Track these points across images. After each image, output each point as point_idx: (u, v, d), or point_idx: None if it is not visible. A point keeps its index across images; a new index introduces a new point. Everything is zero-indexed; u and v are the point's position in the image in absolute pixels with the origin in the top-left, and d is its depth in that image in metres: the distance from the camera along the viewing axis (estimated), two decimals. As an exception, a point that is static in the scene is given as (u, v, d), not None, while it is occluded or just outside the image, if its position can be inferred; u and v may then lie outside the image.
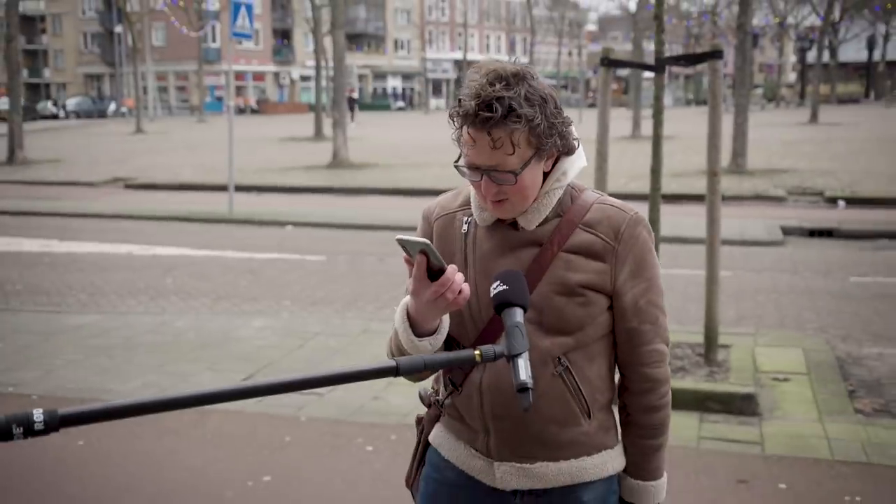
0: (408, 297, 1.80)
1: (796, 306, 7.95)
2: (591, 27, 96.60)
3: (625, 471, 1.96)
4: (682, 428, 4.92)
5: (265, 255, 10.84)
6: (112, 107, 63.04)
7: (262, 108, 66.53)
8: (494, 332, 1.81)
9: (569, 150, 1.82)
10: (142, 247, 11.57)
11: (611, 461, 1.92)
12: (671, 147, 21.72)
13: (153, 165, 22.80)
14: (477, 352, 1.51)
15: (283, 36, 73.91)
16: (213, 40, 63.83)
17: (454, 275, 1.67)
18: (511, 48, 75.97)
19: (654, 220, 5.71)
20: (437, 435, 2.01)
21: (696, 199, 12.56)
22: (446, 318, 1.83)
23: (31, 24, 74.60)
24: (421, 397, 2.05)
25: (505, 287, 1.64)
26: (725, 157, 18.55)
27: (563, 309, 1.79)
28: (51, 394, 5.51)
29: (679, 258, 9.99)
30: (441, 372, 1.98)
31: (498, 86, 1.68)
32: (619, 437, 1.96)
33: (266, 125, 45.17)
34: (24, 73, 70.41)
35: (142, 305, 8.24)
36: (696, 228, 10.23)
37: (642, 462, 1.94)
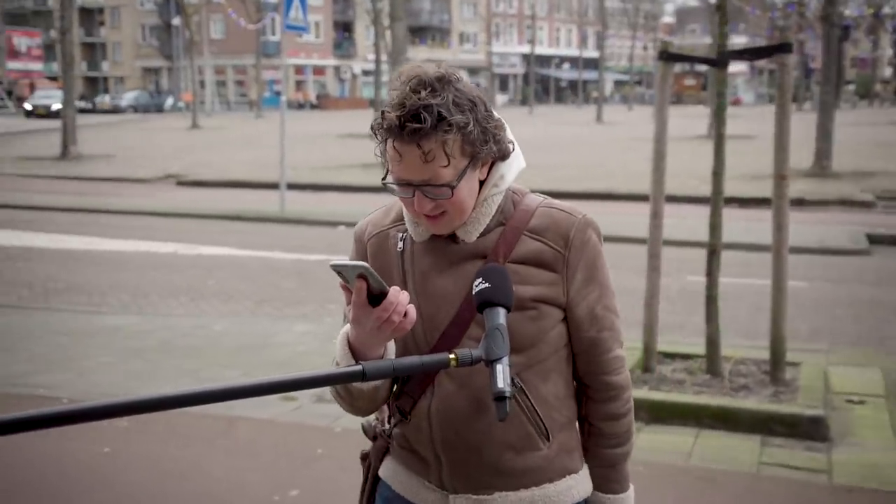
0: (347, 327, 1.74)
1: (877, 321, 7.69)
2: (668, 19, 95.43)
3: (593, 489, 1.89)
4: (739, 451, 4.78)
5: (315, 257, 10.91)
6: (170, 101, 64.38)
7: (322, 103, 67.30)
8: None
9: (504, 155, 1.76)
10: (187, 246, 11.76)
11: (576, 486, 1.85)
12: (749, 147, 21.29)
13: (206, 162, 23.20)
14: (452, 356, 1.46)
15: (345, 29, 74.65)
16: (273, 33, 64.68)
17: (398, 296, 1.60)
18: (582, 42, 75.52)
19: (716, 226, 5.57)
20: (388, 468, 1.94)
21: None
22: (391, 346, 1.76)
23: (90, 16, 76.71)
24: (364, 430, 1.98)
25: (487, 285, 1.58)
26: (808, 159, 18.15)
27: (514, 326, 1.70)
28: (81, 397, 5.60)
29: (752, 266, 9.75)
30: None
31: (423, 93, 1.62)
32: (583, 459, 1.89)
33: (325, 121, 45.69)
34: (83, 66, 72.52)
35: (182, 307, 8.36)
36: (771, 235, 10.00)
37: (611, 473, 1.88)
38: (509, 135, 1.78)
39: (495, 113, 1.73)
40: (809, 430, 5.00)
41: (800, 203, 13.54)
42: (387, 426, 1.92)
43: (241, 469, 4.61)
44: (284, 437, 5.03)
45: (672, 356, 6.02)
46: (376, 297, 1.60)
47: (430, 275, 1.79)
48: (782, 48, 5.26)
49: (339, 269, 1.59)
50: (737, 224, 11.69)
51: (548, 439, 1.80)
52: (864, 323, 7.65)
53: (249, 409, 5.33)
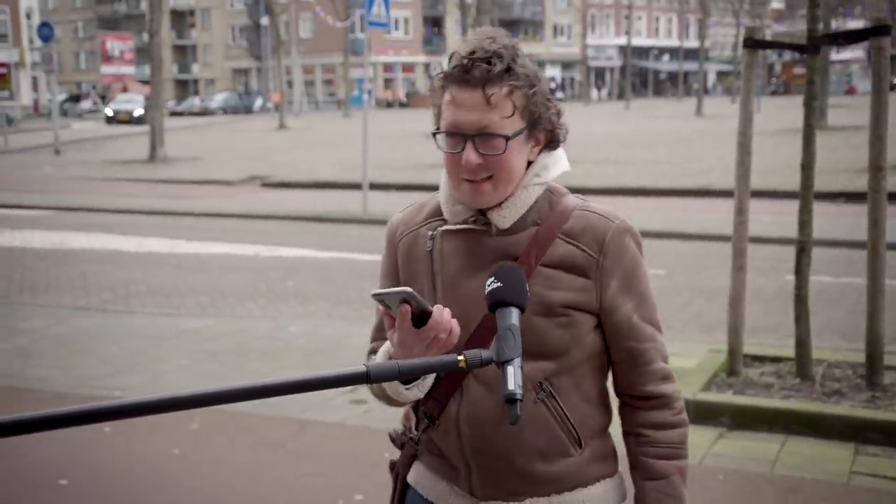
0: (386, 345, 1.74)
1: None
2: (777, 5, 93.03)
3: None
4: (829, 460, 4.65)
5: (395, 258, 10.99)
6: (258, 102, 65.81)
7: (412, 101, 67.77)
8: None
9: (555, 140, 1.77)
10: (268, 248, 12.01)
11: (612, 491, 1.84)
12: (857, 139, 20.61)
13: (292, 162, 23.65)
14: (461, 357, 1.45)
15: (434, 24, 75.09)
16: (361, 31, 65.55)
17: (442, 314, 1.60)
18: (682, 31, 74.30)
19: (806, 222, 5.44)
20: (416, 473, 1.95)
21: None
22: None
23: (182, 18, 79.10)
24: (392, 438, 2.00)
25: (499, 284, 1.56)
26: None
27: (544, 331, 1.71)
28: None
29: (857, 265, 9.43)
30: (410, 408, 1.93)
31: (495, 45, 1.67)
32: (618, 464, 1.87)
33: (414, 119, 45.96)
34: (174, 68, 74.76)
35: (260, 309, 8.55)
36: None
37: (665, 487, 1.80)
38: (564, 125, 1.80)
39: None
40: (907, 438, 4.82)
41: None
42: (414, 433, 1.93)
43: (308, 473, 4.70)
44: (352, 440, 5.10)
45: (761, 359, 5.89)
46: (420, 318, 1.61)
47: (458, 277, 1.79)
48: (879, 31, 5.09)
49: (381, 298, 1.59)
50: (839, 220, 11.35)
51: (580, 445, 1.80)
52: (976, 325, 7.32)
53: (320, 412, 5.43)
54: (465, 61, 1.65)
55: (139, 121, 44.27)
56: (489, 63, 1.63)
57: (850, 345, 6.56)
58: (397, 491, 1.99)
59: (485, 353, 1.47)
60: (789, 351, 5.82)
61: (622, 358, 1.81)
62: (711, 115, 43.05)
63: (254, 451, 4.97)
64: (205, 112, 62.06)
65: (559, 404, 1.76)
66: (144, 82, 67.74)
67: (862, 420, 4.94)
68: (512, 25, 74.55)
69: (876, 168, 5.29)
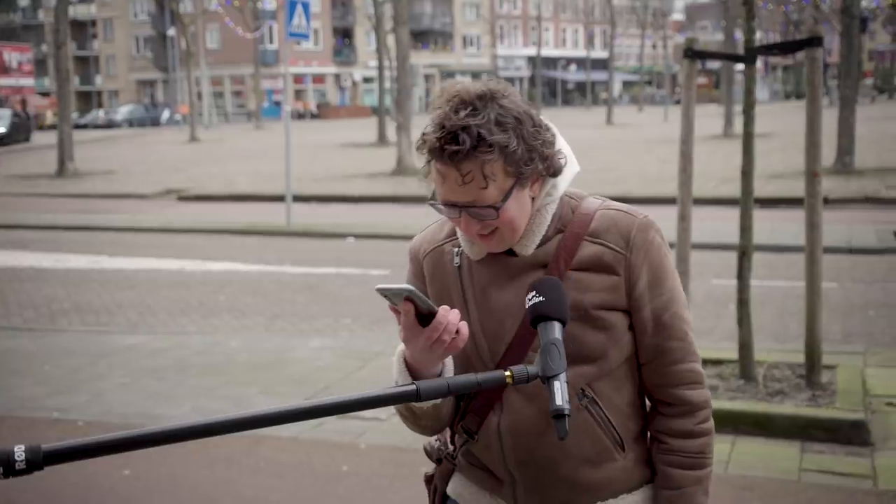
0: (401, 345, 1.74)
1: (912, 322, 7.69)
2: (678, 16, 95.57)
3: None
4: (780, 459, 4.79)
5: (324, 270, 10.94)
6: (166, 114, 64.61)
7: (323, 112, 67.46)
8: None
9: (555, 171, 1.74)
10: (194, 262, 11.80)
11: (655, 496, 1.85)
12: (768, 146, 21.32)
13: (208, 175, 23.29)
14: (508, 373, 1.46)
15: (344, 35, 74.86)
16: (270, 41, 64.98)
17: (447, 316, 1.61)
18: (589, 42, 75.68)
19: (747, 227, 5.60)
20: (457, 485, 1.94)
21: (796, 202, 12.22)
22: (449, 362, 1.76)
23: (83, 29, 77.10)
24: (427, 452, 1.98)
25: (541, 298, 1.57)
26: (829, 156, 18.12)
27: (581, 336, 1.71)
28: (98, 419, 5.63)
29: (777, 268, 9.77)
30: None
31: (463, 113, 1.61)
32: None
33: (326, 130, 45.81)
34: (76, 80, 72.83)
35: (194, 324, 8.39)
36: (795, 235, 9.97)
37: (678, 499, 1.80)
38: (560, 143, 1.76)
39: (546, 123, 1.72)
40: (850, 434, 5.00)
41: (823, 201, 13.50)
42: (450, 447, 1.92)
43: (268, 488, 4.64)
44: (309, 454, 5.05)
45: (703, 362, 6.01)
46: (426, 317, 1.63)
47: (489, 289, 1.79)
48: (812, 42, 5.28)
49: (385, 293, 1.61)
50: (758, 225, 11.65)
51: (623, 449, 1.80)
52: (898, 324, 7.65)
53: (273, 427, 5.36)
54: (436, 140, 1.62)
55: (3, 140, 39.04)
56: (457, 142, 1.59)
57: (782, 346, 6.77)
58: (436, 503, 1.97)
59: (531, 369, 1.48)
60: (728, 353, 5.99)
61: (650, 358, 1.80)
62: (622, 124, 43.94)
63: (209, 469, 4.88)
64: (110, 125, 60.63)
65: (602, 409, 1.77)
66: (44, 94, 66.04)
67: (806, 419, 5.11)
68: (422, 36, 74.87)
69: (812, 173, 5.48)
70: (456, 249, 1.84)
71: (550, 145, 1.71)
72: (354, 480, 4.72)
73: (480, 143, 1.60)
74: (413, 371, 1.72)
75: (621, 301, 1.75)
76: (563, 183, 1.78)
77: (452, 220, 1.74)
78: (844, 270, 9.73)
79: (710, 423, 1.83)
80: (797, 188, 13.54)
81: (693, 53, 5.50)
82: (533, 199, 1.75)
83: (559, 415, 1.44)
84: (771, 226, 11.53)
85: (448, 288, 1.84)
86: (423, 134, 1.66)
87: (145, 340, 7.57)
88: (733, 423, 5.13)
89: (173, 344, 7.43)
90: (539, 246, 1.76)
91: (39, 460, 1.24)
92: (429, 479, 2.00)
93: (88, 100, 77.41)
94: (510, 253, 1.78)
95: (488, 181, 1.63)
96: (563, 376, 1.48)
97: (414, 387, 1.45)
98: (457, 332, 1.62)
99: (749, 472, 4.67)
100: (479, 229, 1.70)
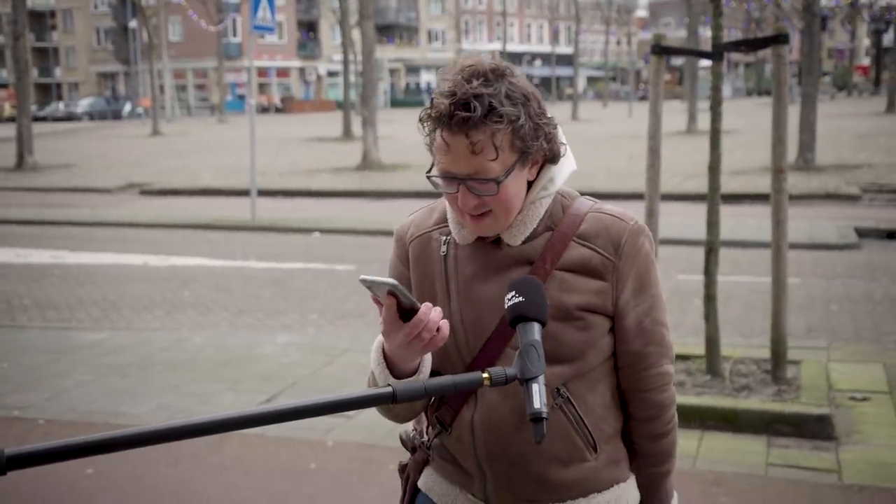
0: (380, 337, 1.73)
1: (874, 317, 7.78)
2: (642, 13, 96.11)
3: None
4: (747, 453, 4.82)
5: (290, 265, 10.87)
6: (127, 107, 63.91)
7: (287, 106, 67.05)
8: (485, 366, 1.67)
9: (554, 156, 1.75)
10: (158, 257, 11.67)
11: (625, 495, 1.86)
12: (731, 142, 21.49)
13: (171, 169, 23.05)
14: (485, 375, 1.45)
15: (309, 29, 74.47)
16: (234, 34, 64.43)
17: (428, 314, 1.60)
18: (554, 37, 75.84)
19: (714, 223, 5.63)
20: (428, 479, 1.93)
21: (760, 198, 12.37)
22: (427, 355, 1.75)
23: (41, 19, 75.89)
24: (403, 441, 1.98)
25: (520, 299, 1.55)
26: (791, 153, 18.34)
27: (561, 335, 1.71)
28: (59, 417, 5.54)
29: (741, 264, 9.85)
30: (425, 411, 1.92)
31: (476, 82, 1.62)
32: (629, 468, 1.91)
33: (291, 124, 45.55)
34: (35, 72, 71.75)
35: (158, 320, 8.29)
36: (759, 231, 10.11)
37: (652, 491, 1.91)
38: (561, 137, 1.77)
39: (549, 112, 1.73)
40: (815, 429, 5.05)
41: (786, 198, 13.69)
42: (426, 437, 1.92)
43: (234, 487, 4.59)
44: (275, 451, 5.00)
45: (670, 357, 6.04)
46: (408, 312, 1.61)
47: (473, 281, 1.78)
48: (779, 39, 5.31)
49: (368, 285, 1.59)
50: (722, 221, 11.74)
51: (595, 450, 1.80)
52: (860, 318, 7.74)
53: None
54: (447, 107, 1.62)
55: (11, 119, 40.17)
56: (469, 109, 1.60)
57: (748, 341, 6.83)
58: (407, 495, 1.96)
59: (509, 371, 1.47)
60: (694, 349, 6.02)
61: (627, 362, 1.82)
62: (587, 119, 44.14)
63: (174, 467, 4.81)
64: (69, 117, 59.87)
65: (576, 409, 1.77)
66: (2, 86, 64.95)
67: (772, 414, 5.14)
68: (387, 31, 74.66)
69: (777, 169, 5.51)
70: (444, 238, 1.84)
71: (553, 128, 1.73)
72: (322, 478, 4.68)
73: (491, 112, 1.61)
74: (390, 363, 1.73)
75: (605, 306, 1.76)
76: (560, 178, 1.79)
77: (448, 197, 1.73)
78: (807, 266, 9.83)
79: (675, 420, 1.90)
80: (760, 184, 13.75)
81: (661, 49, 5.51)
82: (530, 183, 1.75)
83: (537, 418, 1.43)
84: (734, 221, 11.61)
85: (432, 276, 1.83)
86: (432, 99, 1.65)
87: (108, 337, 7.45)
88: (701, 419, 5.15)
89: (137, 340, 7.33)
90: (527, 240, 1.76)
91: (2, 465, 1.19)
92: (402, 468, 1.99)
93: (48, 92, 76.26)
94: (497, 244, 1.77)
95: (498, 152, 1.64)
96: (541, 379, 1.47)
97: (390, 389, 1.43)
98: (437, 330, 1.61)
99: (717, 468, 4.69)
100: (475, 207, 1.69)
